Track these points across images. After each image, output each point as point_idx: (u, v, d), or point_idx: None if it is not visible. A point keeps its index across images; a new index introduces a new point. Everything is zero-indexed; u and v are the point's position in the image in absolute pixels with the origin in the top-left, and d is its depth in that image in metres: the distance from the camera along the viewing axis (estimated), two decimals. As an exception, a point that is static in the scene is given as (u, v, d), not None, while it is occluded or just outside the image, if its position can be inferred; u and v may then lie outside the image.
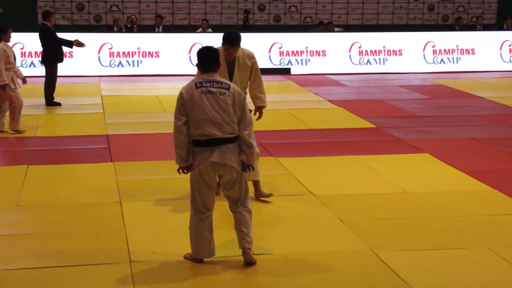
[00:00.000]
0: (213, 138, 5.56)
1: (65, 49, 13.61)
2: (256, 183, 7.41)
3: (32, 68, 16.64)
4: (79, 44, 13.03)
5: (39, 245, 6.18)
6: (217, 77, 5.72)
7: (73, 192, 7.73)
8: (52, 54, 12.94)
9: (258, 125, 10.83)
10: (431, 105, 13.46)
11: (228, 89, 5.66)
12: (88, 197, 7.53)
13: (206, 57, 5.72)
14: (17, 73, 11.01)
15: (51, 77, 13.03)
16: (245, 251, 5.75)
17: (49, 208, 7.18)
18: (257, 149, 6.10)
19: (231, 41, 7.03)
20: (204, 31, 18.87)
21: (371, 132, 10.98)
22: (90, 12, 21.54)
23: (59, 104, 12.99)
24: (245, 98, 5.84)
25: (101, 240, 6.30)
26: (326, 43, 18.06)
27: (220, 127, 5.58)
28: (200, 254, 5.76)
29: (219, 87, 5.64)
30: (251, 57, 7.32)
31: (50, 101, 12.97)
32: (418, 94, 14.77)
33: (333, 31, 19.33)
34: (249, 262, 5.74)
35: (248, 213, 5.82)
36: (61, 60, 13.18)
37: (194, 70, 18.21)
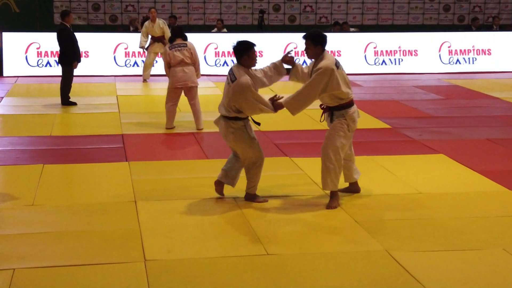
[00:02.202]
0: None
1: (81, 49, 13.67)
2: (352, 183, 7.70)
3: (48, 67, 16.75)
4: (74, 65, 13.06)
5: (54, 244, 6.21)
6: (235, 69, 6.99)
7: (88, 191, 7.76)
8: (69, 54, 12.98)
9: (273, 125, 10.88)
10: (446, 106, 13.41)
11: (233, 81, 6.93)
12: (103, 197, 7.56)
13: (233, 49, 7.05)
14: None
15: (67, 77, 13.08)
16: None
17: (65, 207, 7.21)
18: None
19: (305, 34, 7.14)
20: (219, 31, 18.90)
21: (386, 132, 10.96)
22: (106, 12, 21.63)
23: (74, 103, 13.05)
24: (241, 92, 6.82)
25: (116, 239, 6.32)
26: (341, 43, 18.04)
27: (222, 106, 7.10)
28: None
29: (230, 79, 6.99)
30: (319, 68, 6.98)
31: (66, 101, 13.03)
32: (433, 94, 14.71)
33: (348, 31, 19.30)
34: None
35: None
36: (79, 60, 13.19)
37: (210, 70, 18.30)
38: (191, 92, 10.86)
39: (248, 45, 6.96)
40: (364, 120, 11.86)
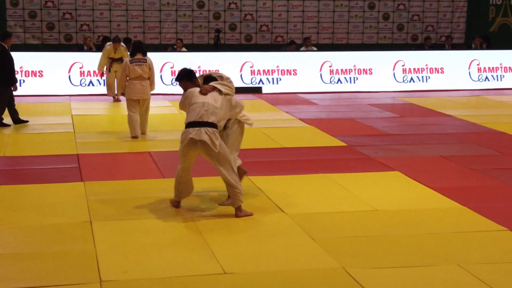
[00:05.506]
0: None
1: (35, 68, 13.45)
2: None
3: None
4: (15, 87, 13.00)
5: (8, 265, 6.10)
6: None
7: (42, 212, 7.65)
8: (5, 76, 12.66)
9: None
10: (401, 124, 13.57)
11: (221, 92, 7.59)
12: (58, 217, 7.46)
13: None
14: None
15: (3, 99, 12.73)
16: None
17: (18, 229, 7.10)
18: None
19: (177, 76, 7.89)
20: (179, 50, 18.87)
21: (342, 150, 11.03)
22: (60, 32, 21.46)
23: (26, 121, 12.87)
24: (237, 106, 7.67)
25: (71, 260, 6.24)
26: (297, 62, 18.16)
27: (215, 115, 7.47)
28: (179, 197, 7.74)
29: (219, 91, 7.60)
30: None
31: (16, 120, 12.80)
32: (388, 112, 14.88)
33: (310, 47, 19.37)
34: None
35: None
36: (14, 83, 12.94)
37: (166, 89, 18.20)
38: (144, 103, 11.85)
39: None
40: (320, 138, 11.95)
